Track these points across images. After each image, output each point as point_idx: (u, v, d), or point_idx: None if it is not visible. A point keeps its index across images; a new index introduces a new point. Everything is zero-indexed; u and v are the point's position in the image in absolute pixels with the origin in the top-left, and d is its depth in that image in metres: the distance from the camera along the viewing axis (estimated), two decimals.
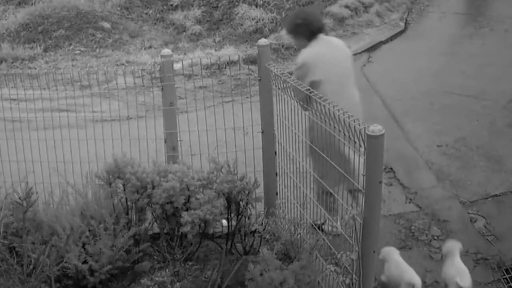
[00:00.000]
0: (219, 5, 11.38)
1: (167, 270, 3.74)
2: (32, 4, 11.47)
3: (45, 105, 4.46)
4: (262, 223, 3.73)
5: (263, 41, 3.99)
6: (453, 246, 3.99)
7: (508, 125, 6.47)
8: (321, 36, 4.32)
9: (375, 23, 10.77)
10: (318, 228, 3.70)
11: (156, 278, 3.68)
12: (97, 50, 10.07)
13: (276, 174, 4.13)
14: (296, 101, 3.58)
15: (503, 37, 9.83)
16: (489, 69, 8.26)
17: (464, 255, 4.34)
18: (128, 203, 3.81)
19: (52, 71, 4.34)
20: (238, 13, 10.95)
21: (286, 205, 4.03)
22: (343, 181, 3.32)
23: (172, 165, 3.91)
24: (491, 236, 4.57)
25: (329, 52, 4.27)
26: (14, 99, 5.57)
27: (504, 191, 5.19)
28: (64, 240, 3.52)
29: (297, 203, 3.85)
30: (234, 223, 3.81)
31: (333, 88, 4.00)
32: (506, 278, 4.11)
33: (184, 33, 10.82)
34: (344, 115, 2.90)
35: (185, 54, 9.50)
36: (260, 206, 3.95)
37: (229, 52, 9.08)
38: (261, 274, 3.21)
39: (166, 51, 4.16)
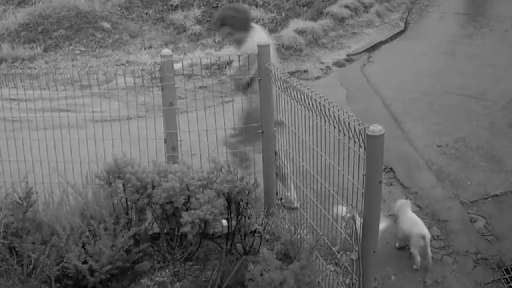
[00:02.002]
0: (219, 5, 11.38)
1: (167, 270, 3.74)
2: (32, 4, 11.47)
3: (45, 105, 4.45)
4: (262, 223, 3.73)
5: (263, 41, 4.00)
6: (403, 203, 4.35)
7: (508, 125, 6.48)
8: (254, 26, 4.65)
9: (375, 23, 10.77)
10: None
11: (156, 278, 3.68)
12: (97, 50, 10.07)
13: (276, 174, 4.13)
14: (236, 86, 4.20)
15: (503, 37, 9.84)
16: (489, 69, 8.26)
17: (464, 255, 4.35)
18: (128, 203, 3.81)
19: (52, 71, 4.33)
20: None
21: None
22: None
23: (172, 165, 3.91)
24: (491, 236, 4.57)
25: (266, 40, 4.55)
26: (14, 99, 5.57)
27: (504, 191, 5.19)
28: (64, 240, 3.52)
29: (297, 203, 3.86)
30: (234, 223, 3.81)
31: None
32: (506, 278, 4.11)
33: (184, 33, 10.83)
34: (344, 115, 2.90)
35: (185, 54, 9.51)
36: (260, 206, 3.95)
37: (229, 52, 9.07)
38: (261, 274, 3.21)
39: (166, 51, 4.16)
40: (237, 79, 4.16)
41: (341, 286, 3.35)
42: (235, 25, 4.54)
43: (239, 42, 4.53)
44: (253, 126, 4.05)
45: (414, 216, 4.28)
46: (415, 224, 4.17)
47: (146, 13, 11.62)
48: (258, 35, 4.53)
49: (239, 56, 4.11)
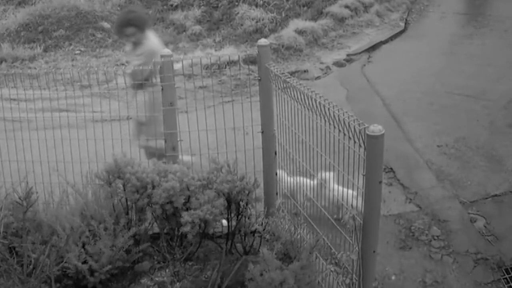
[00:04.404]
0: (219, 5, 11.39)
1: (167, 270, 3.74)
2: (32, 4, 11.48)
3: (45, 105, 4.46)
4: (262, 223, 3.73)
5: (263, 41, 3.99)
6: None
7: (508, 125, 6.48)
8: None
9: (375, 23, 10.78)
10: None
11: (156, 278, 3.68)
12: (97, 50, 10.08)
13: (276, 174, 4.13)
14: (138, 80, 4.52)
15: (503, 37, 9.84)
16: (489, 69, 8.26)
17: (464, 255, 4.35)
18: (128, 203, 3.81)
19: (52, 71, 4.35)
20: (238, 13, 10.96)
21: (286, 205, 4.03)
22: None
23: (172, 165, 3.91)
24: (491, 236, 4.57)
25: (158, 40, 5.18)
26: (14, 99, 5.57)
27: (504, 191, 5.19)
28: (64, 240, 3.52)
29: (297, 203, 3.86)
30: (234, 223, 3.81)
31: None
32: (506, 278, 4.11)
33: (184, 33, 10.84)
34: (344, 115, 2.90)
35: (185, 54, 9.51)
36: (260, 206, 3.95)
37: (229, 52, 9.08)
38: (261, 274, 3.21)
39: (166, 51, 4.17)
40: (137, 75, 4.53)
41: (341, 286, 3.35)
42: (140, 26, 4.84)
43: (138, 42, 4.83)
44: (157, 116, 4.36)
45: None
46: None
47: (146, 13, 11.62)
48: (152, 35, 5.02)
49: (138, 54, 4.52)
